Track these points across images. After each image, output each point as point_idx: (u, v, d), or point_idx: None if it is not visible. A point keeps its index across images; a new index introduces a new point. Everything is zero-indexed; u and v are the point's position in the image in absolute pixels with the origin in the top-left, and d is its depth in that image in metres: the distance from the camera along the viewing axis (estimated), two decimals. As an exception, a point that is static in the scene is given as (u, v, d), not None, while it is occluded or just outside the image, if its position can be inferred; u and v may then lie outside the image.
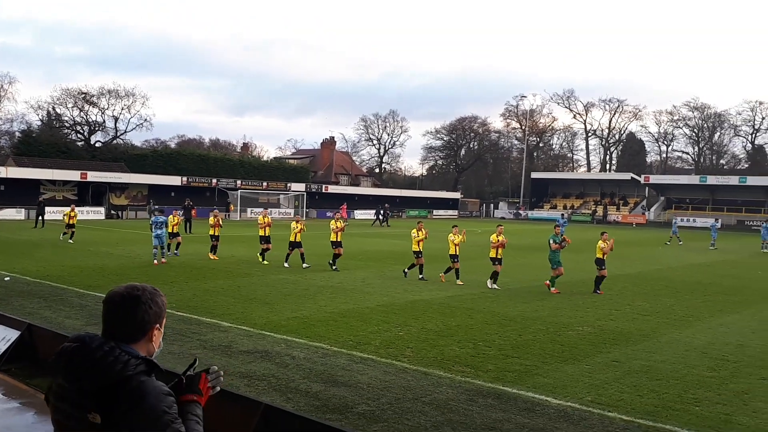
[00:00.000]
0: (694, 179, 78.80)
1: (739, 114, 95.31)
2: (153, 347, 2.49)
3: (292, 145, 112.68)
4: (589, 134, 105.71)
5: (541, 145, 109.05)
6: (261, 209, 63.49)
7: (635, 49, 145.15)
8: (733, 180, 75.48)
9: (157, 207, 36.39)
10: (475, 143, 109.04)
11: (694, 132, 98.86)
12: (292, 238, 21.28)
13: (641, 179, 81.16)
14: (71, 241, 28.38)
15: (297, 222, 21.79)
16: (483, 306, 15.04)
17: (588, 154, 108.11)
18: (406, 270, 19.73)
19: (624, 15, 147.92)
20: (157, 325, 2.49)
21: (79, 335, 2.42)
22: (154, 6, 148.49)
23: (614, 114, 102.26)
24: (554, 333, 12.24)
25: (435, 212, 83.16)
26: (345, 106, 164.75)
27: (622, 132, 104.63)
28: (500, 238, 18.24)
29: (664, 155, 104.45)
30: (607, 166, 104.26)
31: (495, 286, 17.62)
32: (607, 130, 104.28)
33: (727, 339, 12.18)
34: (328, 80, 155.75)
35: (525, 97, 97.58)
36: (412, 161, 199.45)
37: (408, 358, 9.97)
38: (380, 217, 56.93)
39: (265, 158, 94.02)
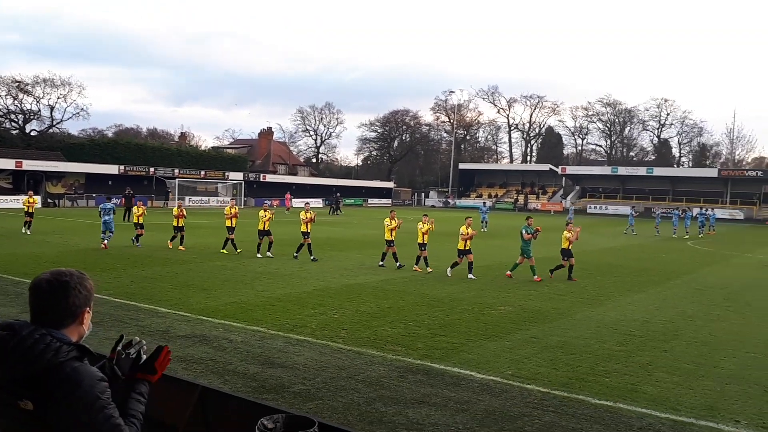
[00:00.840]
0: (606, 170, 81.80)
1: (647, 110, 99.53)
2: (83, 329, 2.44)
3: (230, 135, 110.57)
4: (512, 128, 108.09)
5: (468, 137, 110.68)
6: (200, 198, 62.52)
7: (554, 48, 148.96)
8: (641, 171, 78.83)
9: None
10: (407, 135, 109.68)
11: (607, 126, 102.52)
12: (260, 227, 20.45)
13: (559, 170, 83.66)
14: (28, 232, 25.84)
15: (265, 210, 20.91)
16: (414, 289, 15.20)
17: (511, 146, 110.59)
18: (381, 263, 19.00)
19: (543, 15, 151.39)
20: (87, 309, 2.44)
21: (8, 322, 2.32)
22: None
23: (534, 109, 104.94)
24: (479, 312, 12.50)
25: (370, 201, 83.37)
26: (283, 98, 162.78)
27: (542, 126, 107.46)
28: (469, 230, 17.51)
29: (580, 148, 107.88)
30: (528, 158, 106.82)
31: (471, 275, 16.95)
32: (528, 124, 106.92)
33: (634, 316, 12.74)
34: (266, 72, 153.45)
35: (453, 92, 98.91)
36: (347, 152, 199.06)
37: (343, 339, 9.99)
38: (333, 205, 56.54)
39: (203, 148, 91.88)
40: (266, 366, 8.41)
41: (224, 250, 20.99)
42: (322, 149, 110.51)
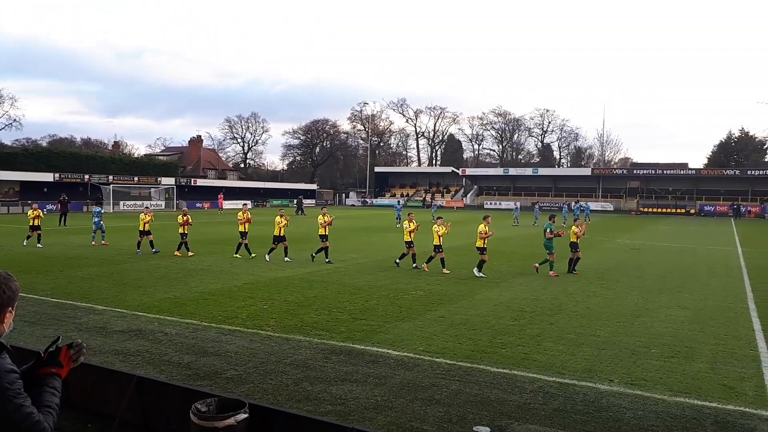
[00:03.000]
0: (499, 171, 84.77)
1: (532, 119, 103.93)
2: (3, 328, 2.36)
3: (162, 143, 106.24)
4: (419, 135, 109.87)
5: (381, 144, 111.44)
6: (134, 202, 59.60)
7: (452, 64, 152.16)
8: (528, 171, 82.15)
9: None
10: (328, 142, 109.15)
11: (499, 133, 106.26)
12: (276, 233, 18.74)
13: (459, 172, 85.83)
14: (40, 245, 21.39)
15: (281, 216, 19.05)
16: (336, 279, 15.13)
17: (418, 151, 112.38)
18: (398, 260, 17.59)
19: (442, 36, 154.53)
20: (9, 308, 2.37)
21: None
22: (25, 11, 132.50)
23: (438, 119, 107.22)
24: (394, 297, 12.60)
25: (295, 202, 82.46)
26: (212, 109, 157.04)
27: (444, 133, 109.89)
28: (487, 229, 16.48)
29: (477, 152, 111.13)
30: (434, 162, 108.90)
31: (481, 274, 15.80)
32: (432, 132, 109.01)
33: (525, 295, 13.22)
34: (196, 85, 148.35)
35: (367, 103, 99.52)
36: (273, 157, 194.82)
37: (272, 327, 9.80)
38: (298, 207, 55.15)
39: (135, 155, 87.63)
40: (200, 355, 8.13)
41: (237, 255, 19.17)
42: (249, 155, 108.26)
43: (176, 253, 19.60)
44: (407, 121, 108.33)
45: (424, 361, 7.99)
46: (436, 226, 17.20)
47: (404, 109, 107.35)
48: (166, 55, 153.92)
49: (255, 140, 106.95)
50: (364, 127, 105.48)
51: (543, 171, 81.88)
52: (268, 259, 18.28)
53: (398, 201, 46.88)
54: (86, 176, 57.87)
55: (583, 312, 11.42)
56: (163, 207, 61.98)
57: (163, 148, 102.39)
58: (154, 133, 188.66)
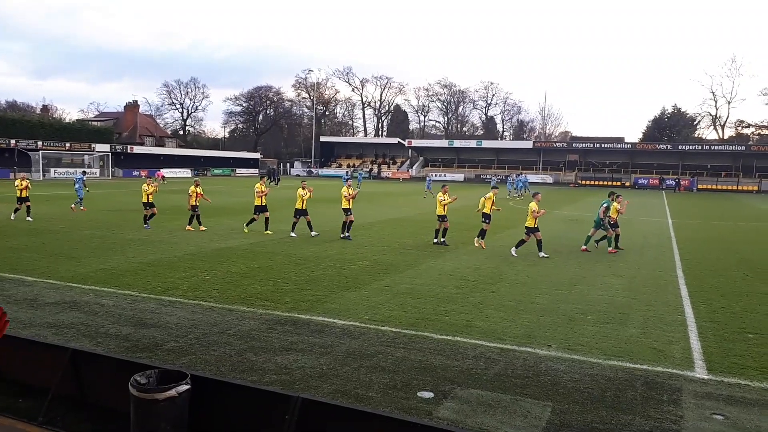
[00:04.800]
0: (444, 143, 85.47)
1: (477, 91, 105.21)
2: None
3: (96, 108, 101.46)
4: (365, 105, 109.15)
5: (327, 113, 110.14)
6: (67, 169, 56.71)
7: (398, 33, 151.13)
8: (473, 143, 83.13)
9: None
10: (271, 110, 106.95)
11: (444, 105, 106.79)
12: (299, 206, 17.40)
13: (406, 143, 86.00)
14: (30, 218, 19.80)
15: (303, 188, 17.56)
16: (282, 250, 14.96)
17: (365, 121, 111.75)
18: (442, 239, 16.57)
19: (387, 5, 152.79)
20: None
21: None
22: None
23: (384, 89, 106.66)
24: (340, 268, 12.59)
25: (238, 170, 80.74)
26: (150, 73, 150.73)
27: (391, 104, 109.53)
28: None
29: (423, 123, 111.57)
30: (380, 132, 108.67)
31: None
32: (379, 102, 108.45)
33: (468, 264, 13.48)
34: (134, 47, 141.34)
35: (312, 71, 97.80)
36: (214, 124, 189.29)
37: (214, 298, 9.61)
38: (273, 176, 53.54)
39: (67, 120, 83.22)
40: (139, 327, 7.89)
41: (268, 231, 17.89)
42: (189, 122, 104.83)
43: (188, 228, 18.34)
44: (353, 90, 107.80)
45: (370, 329, 8.05)
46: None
47: (350, 77, 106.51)
48: (102, 13, 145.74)
49: (195, 106, 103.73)
50: (309, 95, 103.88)
51: (486, 143, 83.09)
52: (293, 235, 17.30)
53: (346, 171, 46.40)
54: (12, 141, 54.63)
55: (523, 280, 11.76)
56: (98, 175, 59.40)
57: (97, 113, 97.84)
58: (87, 97, 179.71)
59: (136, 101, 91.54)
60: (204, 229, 18.17)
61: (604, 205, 16.27)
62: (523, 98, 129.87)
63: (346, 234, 17.16)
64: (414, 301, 9.69)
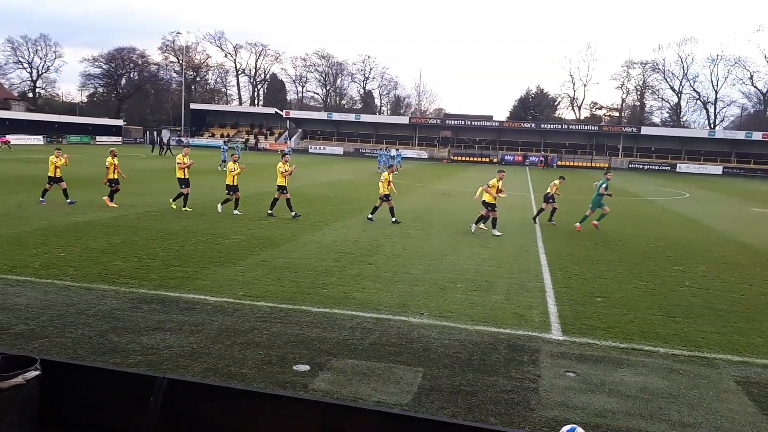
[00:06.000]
0: (323, 115, 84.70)
1: (354, 64, 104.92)
2: None
3: None
4: (239, 73, 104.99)
5: (198, 79, 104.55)
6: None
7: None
8: (351, 117, 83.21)
9: None
10: (135, 74, 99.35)
11: (322, 77, 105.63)
12: (229, 181, 16.27)
13: (283, 114, 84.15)
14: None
15: (235, 162, 16.57)
16: (147, 224, 14.08)
17: (239, 90, 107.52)
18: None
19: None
20: None
21: None
22: None
23: (259, 56, 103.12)
24: (213, 242, 12.12)
25: (98, 138, 74.43)
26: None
27: (267, 72, 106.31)
28: (500, 184, 15.29)
29: (301, 94, 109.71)
30: (256, 102, 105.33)
31: (496, 232, 15.08)
32: (254, 70, 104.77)
33: (347, 237, 13.60)
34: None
35: (180, 33, 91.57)
36: (70, 87, 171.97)
37: (70, 277, 8.85)
38: (164, 144, 48.59)
39: None
40: (-21, 310, 7.07)
41: (174, 204, 16.77)
42: (39, 83, 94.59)
43: (111, 204, 16.71)
44: (226, 56, 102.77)
45: (245, 305, 7.86)
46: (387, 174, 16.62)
47: (222, 42, 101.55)
48: None
49: (46, 66, 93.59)
50: (177, 59, 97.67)
51: (365, 117, 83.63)
52: (220, 210, 16.32)
53: (224, 141, 44.22)
54: None
55: (399, 252, 12.09)
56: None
57: None
58: None
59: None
60: (115, 205, 16.62)
61: (603, 184, 16.57)
62: (399, 74, 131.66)
63: (271, 212, 16.43)
64: (291, 275, 9.59)
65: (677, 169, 69.32)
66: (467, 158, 73.08)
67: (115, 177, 16.88)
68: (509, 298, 8.96)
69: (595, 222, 16.76)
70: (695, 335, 7.55)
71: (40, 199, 16.78)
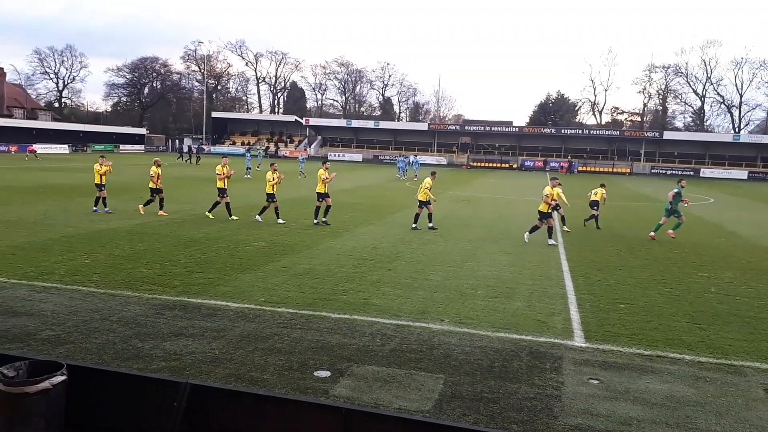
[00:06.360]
0: (342, 122, 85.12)
1: (374, 71, 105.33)
2: None
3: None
4: (260, 81, 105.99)
5: (219, 87, 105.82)
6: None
7: (294, 6, 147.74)
8: (370, 124, 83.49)
9: None
10: (158, 83, 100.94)
11: (342, 84, 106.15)
12: (269, 190, 16.36)
13: (303, 121, 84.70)
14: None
15: (274, 171, 16.58)
16: (170, 231, 14.26)
17: (260, 98, 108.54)
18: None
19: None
20: None
21: None
22: None
23: (280, 64, 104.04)
24: (234, 249, 12.23)
25: (122, 147, 75.67)
26: (17, 37, 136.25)
27: (287, 80, 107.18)
28: (555, 191, 14.86)
29: (320, 102, 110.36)
30: (276, 109, 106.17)
31: (552, 241, 14.59)
32: (274, 78, 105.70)
33: (366, 243, 13.61)
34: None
35: (202, 42, 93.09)
36: (95, 97, 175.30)
37: (95, 283, 9.00)
38: (193, 153, 49.67)
39: None
40: (8, 316, 7.22)
41: (210, 215, 16.76)
42: (65, 93, 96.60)
43: (160, 213, 16.95)
44: (247, 64, 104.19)
45: (266, 311, 7.91)
46: (428, 181, 16.48)
47: (243, 51, 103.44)
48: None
49: (72, 77, 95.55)
50: (199, 68, 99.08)
51: (384, 124, 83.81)
52: (259, 219, 16.30)
53: (248, 149, 44.64)
54: None
55: (418, 258, 12.06)
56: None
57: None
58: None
59: (2, 68, 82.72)
60: (164, 215, 16.82)
61: (674, 191, 16.27)
62: (418, 80, 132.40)
63: (324, 219, 16.34)
64: (312, 282, 9.62)
65: (701, 174, 68.17)
66: (487, 164, 72.75)
67: (159, 186, 17.06)
68: (531, 304, 8.87)
69: (671, 232, 16.26)
70: (722, 342, 7.39)
71: (93, 208, 16.98)
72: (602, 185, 19.02)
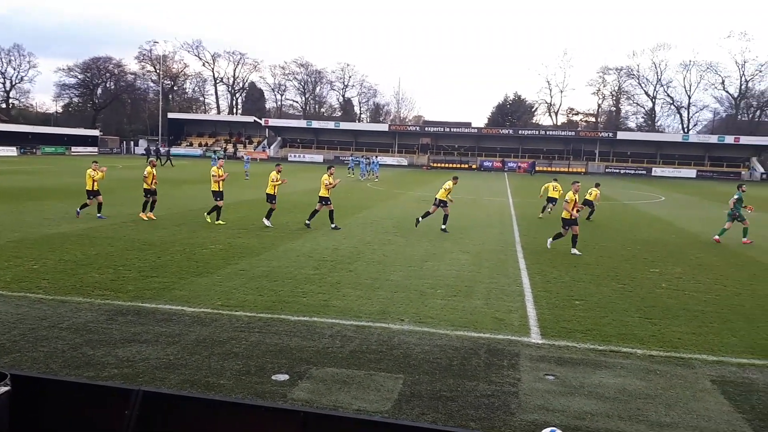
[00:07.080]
0: (302, 123, 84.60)
1: (334, 72, 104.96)
2: None
3: None
4: (218, 81, 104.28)
5: (175, 88, 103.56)
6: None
7: (251, 5, 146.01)
8: (331, 125, 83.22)
9: None
10: (112, 83, 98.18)
11: (301, 85, 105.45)
12: (269, 191, 16.31)
13: (262, 122, 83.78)
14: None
15: (278, 173, 16.49)
16: (123, 234, 13.88)
17: (217, 98, 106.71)
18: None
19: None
20: None
21: None
22: None
23: (238, 65, 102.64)
24: (190, 252, 11.98)
25: (74, 149, 73.32)
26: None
27: (245, 81, 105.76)
28: (576, 197, 13.94)
29: (280, 102, 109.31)
30: (234, 110, 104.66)
31: (576, 251, 13.70)
32: (232, 79, 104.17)
33: (326, 245, 13.53)
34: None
35: (157, 42, 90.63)
36: (45, 98, 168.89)
37: (44, 290, 8.67)
38: (161, 155, 48.16)
39: None
40: (-52, 326, 6.88)
41: (209, 218, 16.40)
42: (12, 94, 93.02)
43: (148, 215, 16.53)
44: (204, 64, 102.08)
45: (223, 315, 7.77)
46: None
47: (200, 51, 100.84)
48: None
49: (19, 77, 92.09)
50: (154, 68, 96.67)
51: (344, 125, 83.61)
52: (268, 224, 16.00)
53: (214, 151, 44.00)
54: None
55: (379, 259, 12.07)
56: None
57: None
58: None
59: (-57, 67, 79.16)
60: (153, 217, 16.51)
61: (735, 197, 16.26)
62: (378, 81, 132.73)
63: (334, 225, 16.09)
64: (271, 284, 9.51)
65: (652, 173, 70.44)
66: (447, 164, 73.40)
67: (153, 187, 16.65)
68: (489, 302, 8.98)
69: (745, 240, 16.15)
70: (672, 336, 7.64)
71: (77, 209, 16.56)
72: (597, 185, 20.07)
